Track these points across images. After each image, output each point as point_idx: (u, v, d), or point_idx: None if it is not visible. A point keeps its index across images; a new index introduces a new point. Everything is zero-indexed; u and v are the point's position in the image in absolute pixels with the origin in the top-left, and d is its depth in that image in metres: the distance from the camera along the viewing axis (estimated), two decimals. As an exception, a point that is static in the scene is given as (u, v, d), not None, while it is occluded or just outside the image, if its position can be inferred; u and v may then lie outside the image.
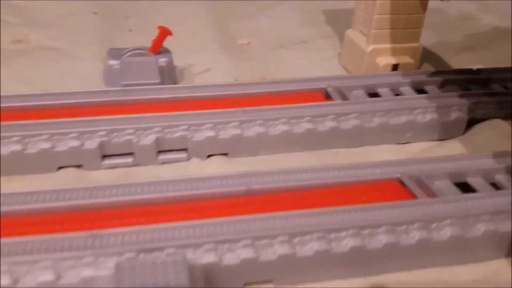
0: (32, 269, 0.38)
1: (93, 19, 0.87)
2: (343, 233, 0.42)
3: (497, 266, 0.45)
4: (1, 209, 0.43)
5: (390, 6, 0.65)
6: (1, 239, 0.39)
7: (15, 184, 0.51)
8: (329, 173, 0.49)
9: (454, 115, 0.60)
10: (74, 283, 0.38)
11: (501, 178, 0.50)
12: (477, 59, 0.78)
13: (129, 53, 0.67)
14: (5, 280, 0.37)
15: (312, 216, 0.43)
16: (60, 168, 0.54)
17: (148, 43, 0.68)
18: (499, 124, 0.61)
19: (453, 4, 0.97)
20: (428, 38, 0.84)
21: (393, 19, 0.66)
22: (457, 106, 0.60)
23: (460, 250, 0.44)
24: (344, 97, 0.61)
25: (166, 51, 0.69)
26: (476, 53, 0.81)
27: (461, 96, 0.62)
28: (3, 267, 0.38)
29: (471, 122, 0.62)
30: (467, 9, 0.96)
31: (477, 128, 0.61)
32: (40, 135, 0.53)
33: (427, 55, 0.79)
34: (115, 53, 0.68)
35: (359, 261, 0.43)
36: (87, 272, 0.38)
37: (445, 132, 0.61)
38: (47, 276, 0.38)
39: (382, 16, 0.66)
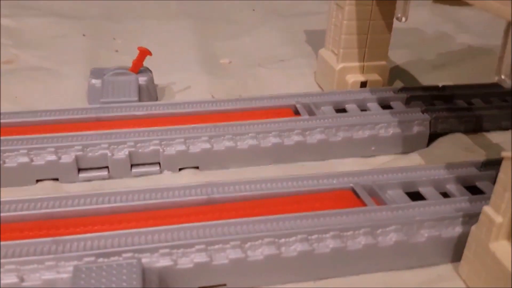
0: (-3, 272, 0.41)
1: (82, 40, 0.91)
2: (292, 238, 0.44)
3: (442, 271, 0.47)
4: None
5: (356, 27, 0.68)
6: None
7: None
8: (287, 183, 0.51)
9: (416, 129, 0.63)
10: (36, 285, 0.41)
11: (451, 187, 0.52)
12: (447, 76, 0.81)
13: (111, 73, 0.70)
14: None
15: (264, 223, 0.45)
16: (38, 181, 0.57)
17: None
18: (459, 138, 0.64)
19: (431, 24, 1.00)
20: (403, 56, 0.87)
21: (360, 39, 0.69)
22: (419, 121, 0.63)
23: (405, 255, 0.46)
24: (311, 113, 0.64)
25: (146, 71, 0.72)
26: (447, 70, 0.83)
27: (423, 111, 0.64)
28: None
29: (435, 136, 0.64)
30: (444, 29, 0.99)
31: (438, 142, 0.63)
32: (19, 149, 0.56)
33: (400, 73, 0.82)
34: (97, 72, 0.71)
35: (308, 265, 0.45)
36: (48, 275, 0.41)
37: (408, 146, 0.63)
38: (11, 279, 0.40)
39: (349, 37, 0.69)
